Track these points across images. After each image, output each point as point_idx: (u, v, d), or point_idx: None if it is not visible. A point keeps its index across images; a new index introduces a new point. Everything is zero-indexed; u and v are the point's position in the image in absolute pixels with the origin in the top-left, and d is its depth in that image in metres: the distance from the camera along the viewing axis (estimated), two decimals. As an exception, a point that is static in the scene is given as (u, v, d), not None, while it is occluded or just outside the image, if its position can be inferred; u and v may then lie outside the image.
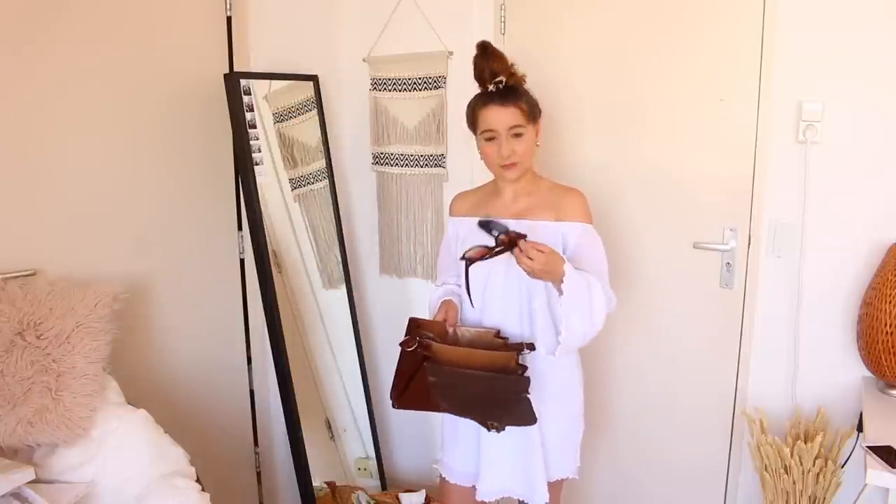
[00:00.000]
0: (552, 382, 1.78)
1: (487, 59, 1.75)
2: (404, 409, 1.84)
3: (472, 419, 1.76)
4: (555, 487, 1.85)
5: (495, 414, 1.68)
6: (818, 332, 2.03)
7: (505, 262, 1.69)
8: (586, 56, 2.31)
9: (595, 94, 2.31)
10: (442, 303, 1.86)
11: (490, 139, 1.76)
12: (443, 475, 1.94)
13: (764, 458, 1.92)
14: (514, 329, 1.77)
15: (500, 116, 1.73)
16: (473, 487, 1.85)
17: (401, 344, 1.76)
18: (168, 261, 2.25)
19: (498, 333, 1.77)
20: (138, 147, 2.15)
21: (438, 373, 1.68)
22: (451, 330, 1.78)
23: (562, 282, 1.60)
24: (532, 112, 1.76)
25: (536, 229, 1.74)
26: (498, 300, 1.79)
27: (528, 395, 1.64)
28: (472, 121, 1.80)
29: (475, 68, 1.77)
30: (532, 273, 1.59)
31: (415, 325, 1.79)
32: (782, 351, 2.09)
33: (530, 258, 1.56)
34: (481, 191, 1.93)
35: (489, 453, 1.81)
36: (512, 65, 1.76)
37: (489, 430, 1.70)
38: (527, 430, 1.74)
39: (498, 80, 1.73)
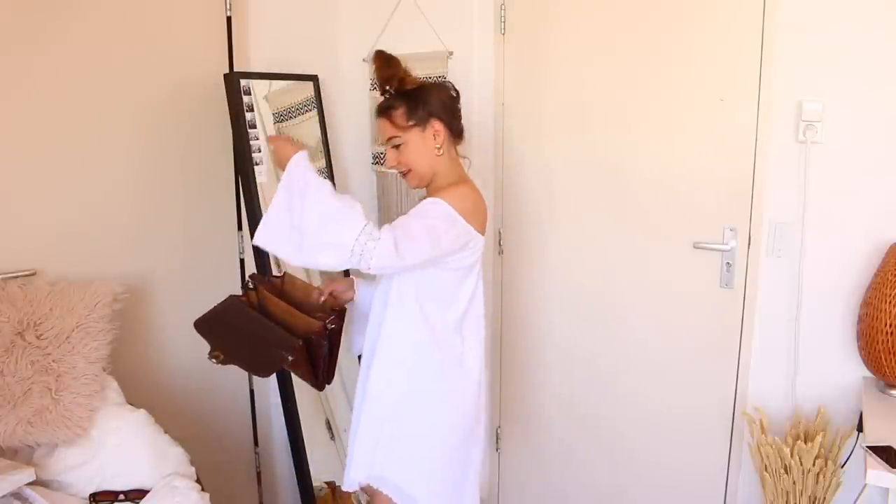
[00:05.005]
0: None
1: (377, 67, 1.73)
2: (199, 330, 1.89)
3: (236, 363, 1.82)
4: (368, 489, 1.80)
5: (255, 360, 1.79)
6: (818, 332, 2.03)
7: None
8: (586, 55, 2.31)
9: (595, 92, 2.31)
10: (347, 281, 1.94)
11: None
12: None
13: (764, 459, 1.92)
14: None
15: (378, 128, 1.77)
16: None
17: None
18: (168, 261, 2.25)
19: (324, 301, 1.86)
20: (138, 147, 2.15)
21: (242, 313, 1.82)
22: (322, 298, 1.88)
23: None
24: (413, 117, 1.68)
25: None
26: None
27: (286, 357, 1.71)
28: None
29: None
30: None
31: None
32: (782, 351, 2.09)
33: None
34: None
35: None
36: (403, 69, 1.72)
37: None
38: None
39: (385, 91, 1.72)
